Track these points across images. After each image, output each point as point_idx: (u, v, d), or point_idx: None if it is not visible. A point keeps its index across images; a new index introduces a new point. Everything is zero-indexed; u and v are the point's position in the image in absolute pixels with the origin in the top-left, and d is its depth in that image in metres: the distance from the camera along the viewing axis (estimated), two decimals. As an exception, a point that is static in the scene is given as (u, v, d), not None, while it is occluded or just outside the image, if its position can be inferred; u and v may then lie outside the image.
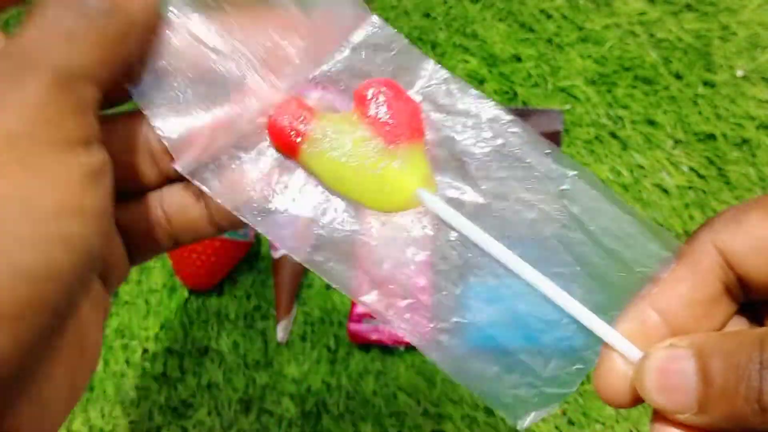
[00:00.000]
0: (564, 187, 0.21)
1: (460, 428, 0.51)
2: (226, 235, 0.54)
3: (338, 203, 0.21)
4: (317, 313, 0.57)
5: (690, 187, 0.59)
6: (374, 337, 0.54)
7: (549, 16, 0.67)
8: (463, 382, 0.21)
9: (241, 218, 0.21)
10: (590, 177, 0.21)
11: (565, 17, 0.66)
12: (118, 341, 0.56)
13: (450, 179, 0.21)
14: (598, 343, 0.20)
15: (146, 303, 0.58)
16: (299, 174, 0.22)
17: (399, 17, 0.68)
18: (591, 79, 0.63)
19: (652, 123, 0.61)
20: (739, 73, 0.62)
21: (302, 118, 0.21)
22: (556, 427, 0.51)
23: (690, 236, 0.19)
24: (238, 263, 0.58)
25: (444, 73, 0.22)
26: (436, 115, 0.22)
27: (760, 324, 0.20)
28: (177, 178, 0.22)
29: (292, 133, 0.21)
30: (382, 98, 0.21)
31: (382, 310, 0.21)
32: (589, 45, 0.65)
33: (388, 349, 0.55)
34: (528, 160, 0.21)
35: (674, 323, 0.19)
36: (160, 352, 0.56)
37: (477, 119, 0.22)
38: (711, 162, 0.59)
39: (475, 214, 0.21)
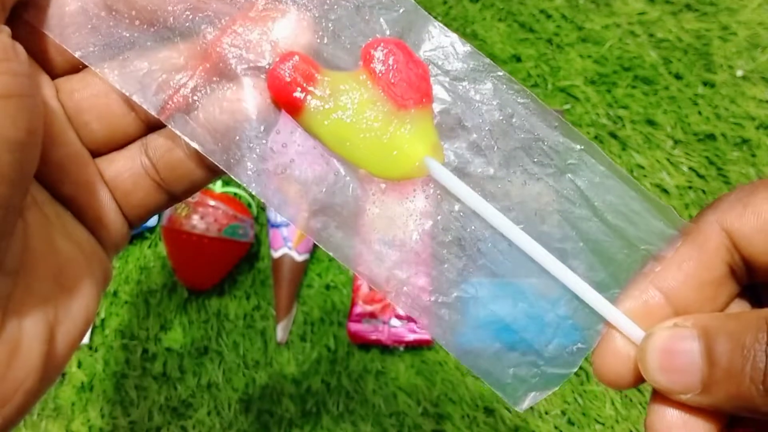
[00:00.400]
0: (571, 161, 0.20)
1: (460, 428, 0.51)
2: (225, 235, 0.54)
3: (340, 167, 0.20)
4: (317, 313, 0.57)
5: (690, 187, 0.59)
6: (374, 337, 0.54)
7: (549, 16, 0.67)
8: (462, 360, 0.21)
9: (233, 176, 0.20)
10: (597, 152, 0.21)
11: (565, 17, 0.66)
12: (118, 341, 0.56)
13: (455, 148, 0.21)
14: (600, 321, 0.20)
15: (146, 303, 0.58)
16: (299, 132, 0.20)
17: (399, 17, 0.68)
18: (591, 79, 0.63)
19: (652, 123, 0.61)
20: (739, 73, 0.62)
21: (306, 73, 0.19)
22: (556, 427, 0.51)
23: (696, 217, 0.19)
24: (238, 263, 0.58)
25: (451, 38, 0.21)
26: (443, 80, 0.21)
27: (761, 306, 0.20)
28: (160, 125, 0.20)
29: (296, 88, 0.19)
30: (392, 59, 0.20)
31: (381, 282, 0.20)
32: (589, 45, 0.65)
33: (388, 349, 0.55)
34: (536, 132, 0.21)
35: (678, 303, 0.19)
36: (160, 352, 0.56)
37: (485, 87, 0.21)
38: (711, 162, 0.59)
39: (480, 185, 0.20)
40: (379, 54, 0.20)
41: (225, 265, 0.57)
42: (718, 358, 0.16)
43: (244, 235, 0.56)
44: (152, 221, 0.59)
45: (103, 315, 0.57)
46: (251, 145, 0.20)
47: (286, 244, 0.56)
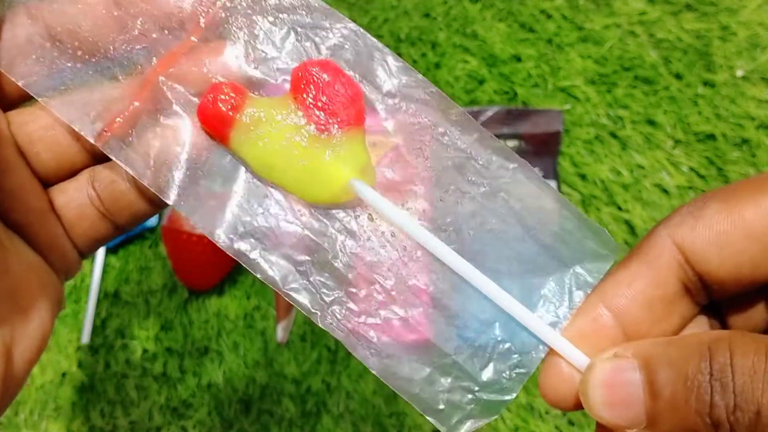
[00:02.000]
0: (504, 179, 0.20)
1: (460, 428, 0.52)
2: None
3: (270, 191, 0.20)
4: (317, 313, 0.57)
5: (690, 187, 0.59)
6: (374, 337, 0.54)
7: (549, 16, 0.67)
8: (391, 384, 0.20)
9: (163, 198, 0.20)
10: (530, 171, 0.20)
11: (565, 17, 0.66)
12: (119, 341, 0.57)
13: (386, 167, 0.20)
14: (539, 344, 0.19)
15: (146, 303, 0.58)
16: (229, 159, 0.20)
17: (399, 17, 0.68)
18: (591, 79, 0.63)
19: (652, 123, 0.61)
20: (739, 73, 0.62)
21: (233, 102, 0.20)
22: (557, 427, 0.51)
23: (648, 232, 0.18)
24: (238, 263, 0.58)
25: (383, 52, 0.21)
26: (377, 98, 0.20)
27: (723, 324, 0.19)
28: (106, 157, 0.21)
29: (222, 118, 0.20)
30: (318, 81, 0.20)
31: (306, 304, 0.20)
32: (589, 45, 0.65)
33: (388, 349, 0.55)
34: (469, 150, 0.20)
35: (628, 323, 0.18)
36: (160, 352, 0.56)
37: (412, 101, 0.20)
38: (711, 162, 0.59)
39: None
40: (304, 77, 0.20)
41: (225, 265, 0.57)
42: (660, 390, 0.15)
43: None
44: (152, 221, 0.59)
45: (103, 315, 0.57)
46: (182, 168, 0.20)
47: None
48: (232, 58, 0.20)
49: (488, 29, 0.66)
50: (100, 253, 0.58)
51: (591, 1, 0.67)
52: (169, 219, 0.55)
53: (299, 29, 0.21)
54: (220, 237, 0.20)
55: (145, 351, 0.56)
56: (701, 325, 0.19)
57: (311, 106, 0.20)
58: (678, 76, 0.62)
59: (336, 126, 0.20)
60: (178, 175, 0.20)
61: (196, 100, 0.20)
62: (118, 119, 0.20)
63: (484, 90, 0.64)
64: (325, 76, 0.20)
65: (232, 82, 0.20)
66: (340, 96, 0.20)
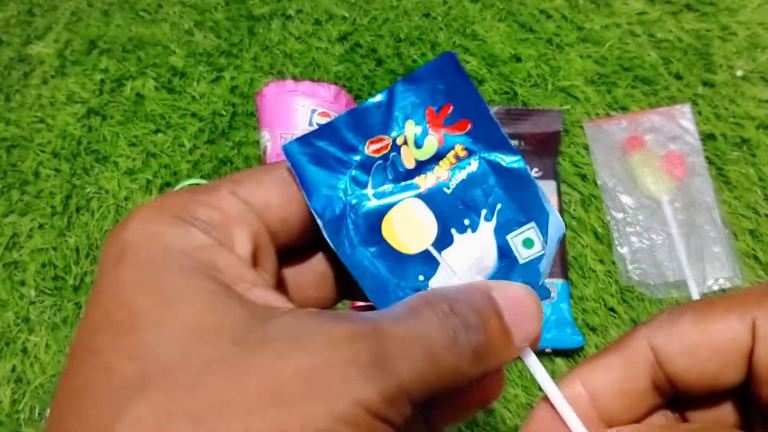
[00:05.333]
0: None
1: (460, 428, 0.51)
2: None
3: None
4: (317, 313, 0.57)
5: (690, 187, 0.59)
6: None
7: (549, 16, 0.67)
8: None
9: None
10: None
11: (565, 17, 0.66)
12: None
13: None
14: None
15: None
16: None
17: (399, 17, 0.68)
18: (591, 79, 0.63)
19: (652, 123, 0.61)
20: (739, 73, 0.62)
21: None
22: (556, 427, 0.51)
23: (630, 330, 0.20)
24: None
25: None
26: None
27: (682, 415, 0.20)
28: None
29: None
30: None
31: None
32: (589, 45, 0.65)
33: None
34: None
35: (600, 405, 0.19)
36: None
37: None
38: (711, 162, 0.59)
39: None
40: None
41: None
42: None
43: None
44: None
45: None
46: None
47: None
48: None
49: (488, 29, 0.66)
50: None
51: (591, 1, 0.67)
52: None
53: None
54: None
55: (144, 351, 0.56)
56: (665, 417, 0.21)
57: None
58: (678, 76, 0.62)
59: None
60: None
61: None
62: None
63: (484, 90, 0.64)
64: None
65: None
66: None
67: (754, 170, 0.58)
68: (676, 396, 0.20)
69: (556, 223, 0.20)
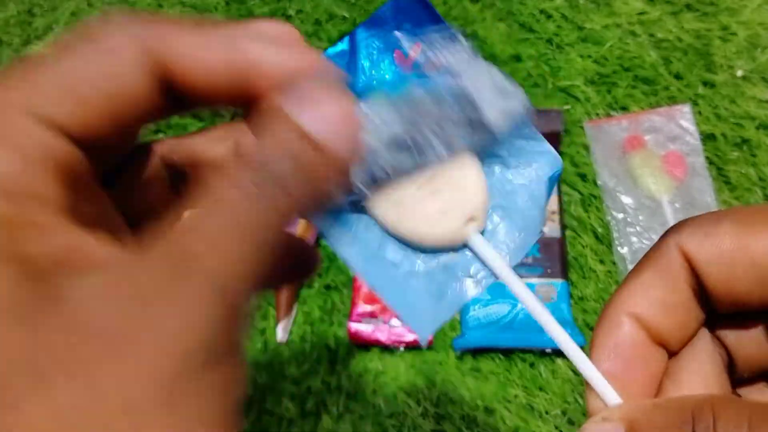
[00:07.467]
0: None
1: (460, 428, 0.51)
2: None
3: None
4: (317, 313, 0.57)
5: (690, 187, 0.59)
6: (374, 337, 0.54)
7: (549, 16, 0.67)
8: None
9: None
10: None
11: (565, 17, 0.66)
12: (119, 341, 0.56)
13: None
14: None
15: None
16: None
17: (399, 17, 0.68)
18: (591, 79, 0.63)
19: (652, 123, 0.61)
20: (739, 73, 0.62)
21: None
22: (556, 427, 0.51)
23: (656, 242, 0.19)
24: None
25: None
26: None
27: (714, 334, 0.19)
28: None
29: None
30: None
31: None
32: (589, 45, 0.65)
33: (388, 349, 0.55)
34: None
35: (650, 327, 0.18)
36: (160, 352, 0.56)
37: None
38: (711, 162, 0.59)
39: None
40: None
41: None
42: None
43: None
44: (152, 221, 0.59)
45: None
46: None
47: (286, 244, 0.56)
48: None
49: (488, 29, 0.66)
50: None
51: (591, 1, 0.67)
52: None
53: None
54: None
55: (145, 351, 0.56)
56: (704, 337, 0.19)
57: None
58: (678, 76, 0.62)
59: None
60: None
61: None
62: None
63: (484, 90, 0.64)
64: None
65: None
66: None
67: (754, 170, 0.58)
68: (710, 311, 0.18)
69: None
